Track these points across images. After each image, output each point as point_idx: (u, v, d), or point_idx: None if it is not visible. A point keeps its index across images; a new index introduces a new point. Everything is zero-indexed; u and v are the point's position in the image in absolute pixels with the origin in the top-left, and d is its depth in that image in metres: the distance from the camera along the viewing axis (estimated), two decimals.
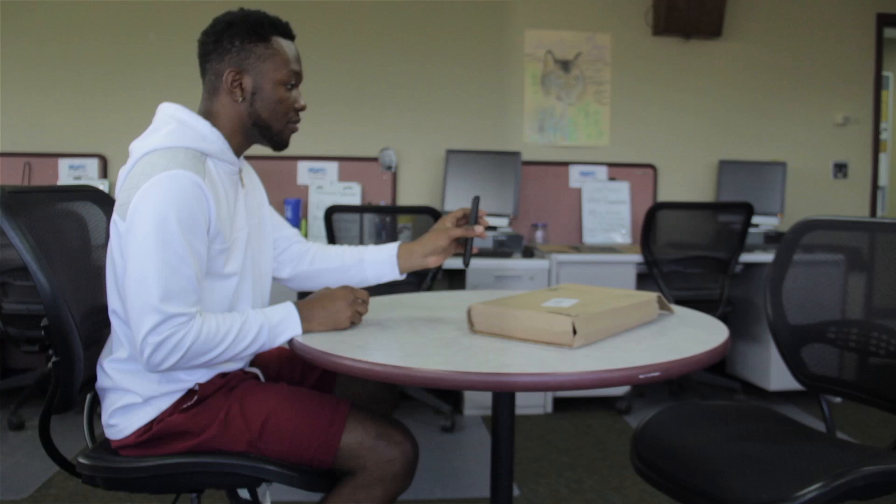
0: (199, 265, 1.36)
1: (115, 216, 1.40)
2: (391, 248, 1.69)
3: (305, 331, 1.45)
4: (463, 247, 1.62)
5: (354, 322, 1.49)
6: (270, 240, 1.66)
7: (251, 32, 1.46)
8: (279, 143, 1.55)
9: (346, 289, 1.51)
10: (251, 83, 1.47)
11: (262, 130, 1.51)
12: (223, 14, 1.49)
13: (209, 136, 1.45)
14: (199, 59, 1.51)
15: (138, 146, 1.42)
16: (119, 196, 1.40)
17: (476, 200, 1.63)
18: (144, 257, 1.31)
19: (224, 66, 1.46)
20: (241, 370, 1.57)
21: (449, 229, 1.63)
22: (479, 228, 1.60)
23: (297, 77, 1.53)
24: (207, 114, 1.49)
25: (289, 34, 1.53)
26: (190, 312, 1.33)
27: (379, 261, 1.70)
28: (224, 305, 1.47)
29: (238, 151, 1.53)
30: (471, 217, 1.61)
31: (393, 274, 1.70)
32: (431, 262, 1.66)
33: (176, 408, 1.46)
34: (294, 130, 1.56)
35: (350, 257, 1.72)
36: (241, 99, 1.48)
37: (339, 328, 1.47)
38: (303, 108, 1.54)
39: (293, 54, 1.51)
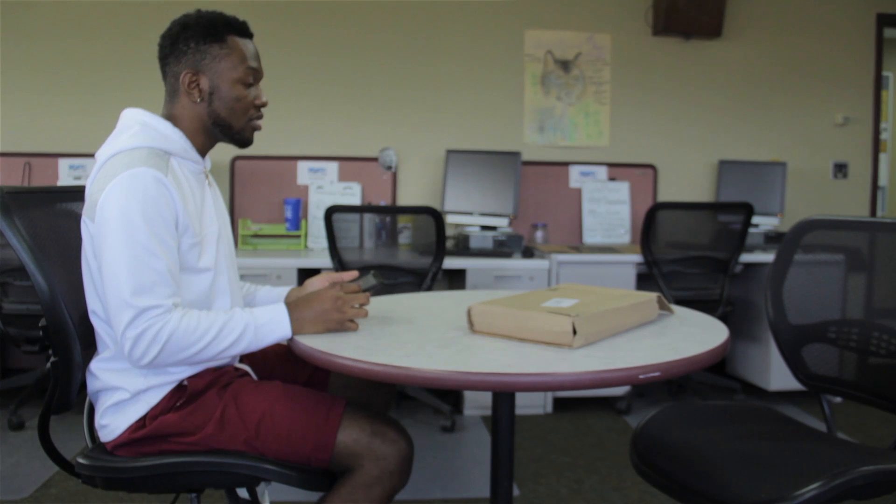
0: (170, 258, 1.37)
1: (84, 218, 1.42)
2: (281, 291, 1.69)
3: (296, 332, 1.44)
4: None
5: (349, 326, 1.47)
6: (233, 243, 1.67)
7: (206, 33, 1.48)
8: (241, 140, 1.56)
9: (335, 287, 1.47)
10: (208, 83, 1.49)
11: (223, 130, 1.53)
12: (180, 16, 1.51)
13: (171, 136, 1.47)
14: (159, 63, 1.52)
15: (103, 152, 1.45)
16: (87, 199, 1.42)
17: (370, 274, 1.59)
18: (114, 255, 1.33)
19: (181, 69, 1.49)
20: (233, 366, 1.57)
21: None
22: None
23: (255, 74, 1.53)
24: (170, 116, 1.51)
25: (245, 32, 1.53)
26: (164, 304, 1.34)
27: (269, 300, 1.68)
28: (202, 300, 1.47)
29: (202, 151, 1.55)
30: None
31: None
32: None
33: (168, 405, 1.46)
34: (256, 128, 1.56)
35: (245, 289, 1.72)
36: (199, 100, 1.49)
37: (332, 330, 1.46)
38: (264, 105, 1.55)
39: (250, 52, 1.52)
